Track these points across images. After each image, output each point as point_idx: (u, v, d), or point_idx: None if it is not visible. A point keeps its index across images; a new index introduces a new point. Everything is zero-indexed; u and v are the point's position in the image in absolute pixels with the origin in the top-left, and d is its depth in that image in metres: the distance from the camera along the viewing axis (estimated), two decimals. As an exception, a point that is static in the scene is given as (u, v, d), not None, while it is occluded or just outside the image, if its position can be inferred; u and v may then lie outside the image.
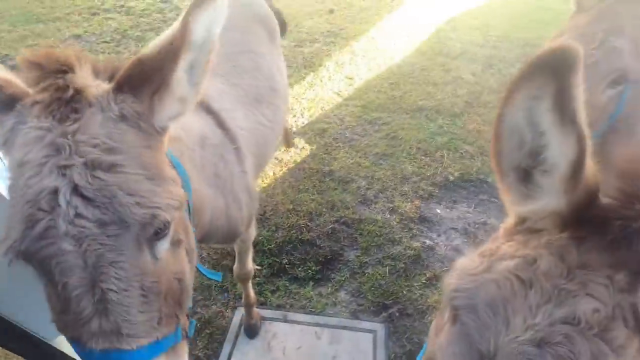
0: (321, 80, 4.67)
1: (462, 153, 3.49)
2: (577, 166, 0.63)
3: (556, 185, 0.69)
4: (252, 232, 1.99)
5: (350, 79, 4.68)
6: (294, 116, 4.11)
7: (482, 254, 0.78)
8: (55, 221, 0.78)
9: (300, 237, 2.84)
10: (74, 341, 0.85)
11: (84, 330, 0.81)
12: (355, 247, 2.78)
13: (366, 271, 2.61)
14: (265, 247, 2.78)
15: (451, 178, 3.25)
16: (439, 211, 3.01)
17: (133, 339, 0.83)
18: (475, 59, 4.84)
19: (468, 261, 0.78)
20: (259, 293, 2.52)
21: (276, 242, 2.81)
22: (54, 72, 0.87)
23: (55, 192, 0.78)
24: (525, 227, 0.77)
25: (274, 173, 3.40)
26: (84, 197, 0.79)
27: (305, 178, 3.33)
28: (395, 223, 2.90)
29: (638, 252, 0.60)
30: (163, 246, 0.91)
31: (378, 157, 3.51)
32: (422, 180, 3.23)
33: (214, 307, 2.47)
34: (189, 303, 1.02)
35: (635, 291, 0.58)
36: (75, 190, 0.79)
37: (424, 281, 2.54)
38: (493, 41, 5.23)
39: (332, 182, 3.27)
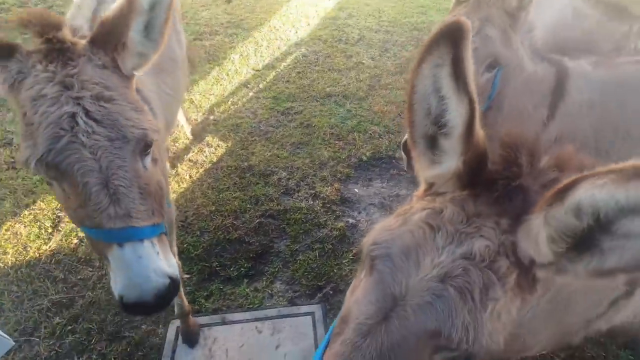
0: (228, 74, 4.53)
1: (371, 134, 3.75)
2: (469, 126, 0.78)
3: (455, 146, 0.84)
4: (172, 207, 2.07)
5: (257, 70, 4.64)
6: (203, 114, 3.94)
7: (398, 214, 0.90)
8: (76, 136, 1.06)
9: (227, 237, 2.80)
10: (93, 229, 1.13)
11: (103, 216, 1.10)
12: (284, 237, 2.85)
13: (297, 258, 2.70)
14: (192, 253, 2.68)
15: (364, 158, 3.49)
16: (357, 190, 3.22)
17: (140, 220, 1.15)
18: (372, 44, 5.18)
19: (385, 222, 0.91)
20: (192, 301, 2.43)
21: (203, 247, 2.72)
22: (49, 28, 1.12)
23: (73, 116, 1.07)
24: (433, 192, 0.92)
25: (190, 176, 3.25)
26: (95, 120, 1.09)
27: (224, 177, 3.25)
28: (319, 208, 3.03)
29: (516, 204, 0.77)
30: (148, 160, 1.26)
31: (295, 146, 3.59)
32: (339, 164, 3.42)
33: (144, 327, 2.32)
34: (165, 207, 1.38)
35: (515, 232, 0.75)
36: (88, 114, 1.09)
37: (351, 257, 2.73)
38: (386, 26, 5.64)
39: (253, 177, 3.26)
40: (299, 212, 2.98)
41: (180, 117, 3.43)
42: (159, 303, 1.17)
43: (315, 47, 5.08)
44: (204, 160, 3.41)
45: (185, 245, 2.70)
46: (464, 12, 1.65)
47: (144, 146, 1.21)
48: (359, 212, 3.07)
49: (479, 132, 0.81)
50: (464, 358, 0.79)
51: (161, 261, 1.20)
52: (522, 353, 1.40)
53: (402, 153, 1.74)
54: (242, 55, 4.89)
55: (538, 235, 0.70)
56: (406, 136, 1.72)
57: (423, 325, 0.71)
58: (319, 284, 2.56)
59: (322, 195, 3.12)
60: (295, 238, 2.82)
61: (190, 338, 2.26)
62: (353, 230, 2.92)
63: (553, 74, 1.74)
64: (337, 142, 3.64)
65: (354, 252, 2.76)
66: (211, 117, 3.91)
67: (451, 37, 0.74)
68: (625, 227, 0.59)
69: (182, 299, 2.19)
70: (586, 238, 0.65)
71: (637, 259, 0.59)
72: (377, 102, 4.14)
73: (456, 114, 0.80)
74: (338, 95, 4.22)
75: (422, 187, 0.96)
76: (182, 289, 2.21)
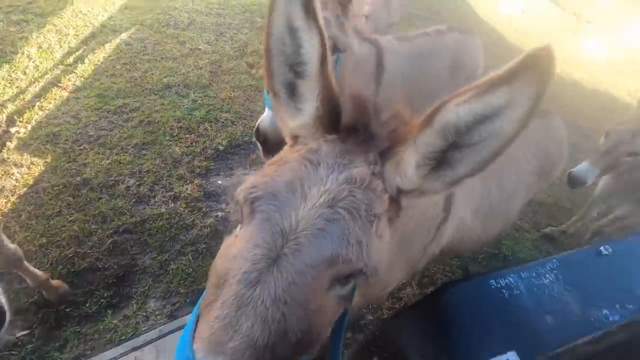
0: (25, 73, 3.60)
1: (223, 122, 3.63)
2: (323, 59, 0.84)
3: (312, 85, 0.89)
4: None
5: (69, 65, 3.83)
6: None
7: (269, 165, 0.90)
8: None
9: (72, 269, 2.33)
10: None
11: None
12: (148, 251, 2.55)
13: (169, 268, 2.47)
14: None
15: (221, 148, 3.37)
16: (220, 182, 3.11)
17: None
18: (206, 28, 4.91)
19: (256, 174, 0.88)
20: (40, 358, 1.96)
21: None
22: None
23: None
24: (300, 143, 0.95)
25: (-3, 209, 2.52)
26: None
27: (51, 199, 2.65)
28: (182, 209, 2.81)
29: (375, 144, 0.88)
30: None
31: (139, 148, 3.18)
32: (195, 158, 3.21)
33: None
34: None
35: (382, 165, 0.86)
36: None
37: (228, 250, 2.66)
38: (216, 9, 5.41)
39: (92, 191, 2.76)
40: (160, 218, 2.70)
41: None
42: None
43: (140, 33, 4.50)
44: (15, 186, 2.68)
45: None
46: None
47: None
48: (227, 204, 2.98)
49: (331, 73, 0.88)
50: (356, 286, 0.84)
51: None
52: (385, 291, 1.65)
53: (256, 141, 1.73)
54: (41, 47, 3.93)
55: (406, 165, 0.81)
56: (258, 122, 1.69)
57: (319, 253, 0.71)
58: (199, 287, 2.42)
59: (182, 195, 2.90)
60: (161, 248, 2.56)
61: (62, 296, 2.16)
62: (224, 223, 2.84)
63: (374, 53, 1.99)
64: (187, 135, 3.39)
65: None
66: (13, 130, 3.07)
67: None
68: (475, 136, 0.72)
69: (29, 272, 2.04)
70: (444, 156, 0.78)
71: (479, 162, 0.74)
72: (222, 88, 4.00)
73: (310, 47, 0.85)
74: (179, 86, 3.89)
75: (289, 142, 0.98)
76: (28, 265, 2.03)
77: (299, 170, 0.81)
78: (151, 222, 2.67)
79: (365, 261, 0.75)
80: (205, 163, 3.19)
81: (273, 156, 0.98)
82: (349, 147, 0.87)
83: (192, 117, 3.57)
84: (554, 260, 1.69)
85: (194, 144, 3.33)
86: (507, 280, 1.55)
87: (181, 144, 3.30)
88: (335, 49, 1.73)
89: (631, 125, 2.33)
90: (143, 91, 3.71)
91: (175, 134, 3.36)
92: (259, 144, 1.70)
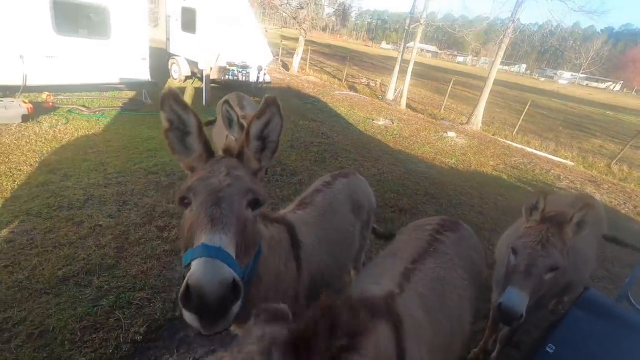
0: None
1: (138, 303, 3.20)
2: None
3: None
4: None
5: None
6: None
7: None
8: None
9: None
10: None
11: None
12: None
13: None
14: None
15: (139, 338, 2.88)
16: (143, 385, 2.56)
17: None
18: (105, 201, 4.68)
19: None
20: None
21: None
22: None
23: None
24: None
25: None
26: None
27: None
28: None
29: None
30: None
31: (27, 374, 2.52)
32: (106, 363, 2.65)
33: None
34: None
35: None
36: None
37: None
38: (115, 178, 5.29)
39: None
40: None
41: None
42: None
43: (26, 225, 4.04)
44: None
45: None
46: None
47: None
48: (156, 413, 2.42)
49: None
50: None
51: None
52: None
53: (186, 312, 1.08)
54: None
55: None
56: (186, 280, 1.09)
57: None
58: None
59: (94, 423, 2.26)
60: None
61: None
62: None
63: (285, 231, 1.93)
64: (94, 335, 2.85)
65: None
66: None
67: None
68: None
69: None
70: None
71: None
72: (132, 263, 3.65)
73: None
74: (78, 274, 3.43)
75: None
76: None
77: None
78: None
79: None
80: (121, 365, 2.64)
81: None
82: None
83: (99, 309, 3.08)
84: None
85: (103, 343, 2.79)
86: None
87: (87, 348, 2.73)
88: None
89: (533, 236, 2.08)
90: (31, 294, 3.14)
91: (77, 339, 2.79)
92: (190, 317, 1.08)
